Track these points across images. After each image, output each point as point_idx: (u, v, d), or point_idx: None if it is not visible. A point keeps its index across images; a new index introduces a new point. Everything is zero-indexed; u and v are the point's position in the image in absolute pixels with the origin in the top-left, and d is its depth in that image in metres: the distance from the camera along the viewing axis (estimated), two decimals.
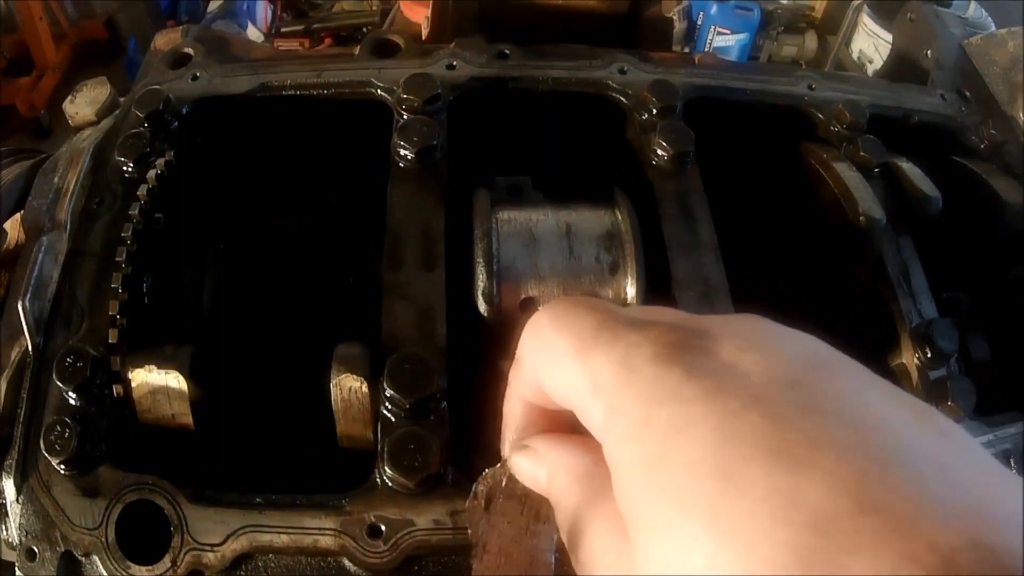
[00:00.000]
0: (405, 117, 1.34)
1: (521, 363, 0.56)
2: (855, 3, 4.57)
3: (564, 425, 0.57)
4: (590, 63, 1.50)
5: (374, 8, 6.80)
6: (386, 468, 1.00)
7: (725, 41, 5.53)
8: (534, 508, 0.59)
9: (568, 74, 1.48)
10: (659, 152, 1.37)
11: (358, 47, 1.49)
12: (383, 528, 0.99)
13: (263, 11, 6.45)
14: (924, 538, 0.32)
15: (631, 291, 1.22)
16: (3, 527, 1.10)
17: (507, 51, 1.48)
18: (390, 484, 1.01)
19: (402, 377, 1.02)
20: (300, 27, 6.65)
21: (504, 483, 0.62)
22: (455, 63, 1.45)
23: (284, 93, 1.44)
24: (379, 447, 1.02)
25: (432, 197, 1.26)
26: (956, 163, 1.73)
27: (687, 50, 5.57)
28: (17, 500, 1.07)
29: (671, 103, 1.41)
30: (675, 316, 0.50)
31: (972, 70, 1.93)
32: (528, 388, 0.56)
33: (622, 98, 1.46)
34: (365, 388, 1.06)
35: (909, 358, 1.37)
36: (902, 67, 2.12)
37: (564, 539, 0.55)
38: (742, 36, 5.56)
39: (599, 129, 1.52)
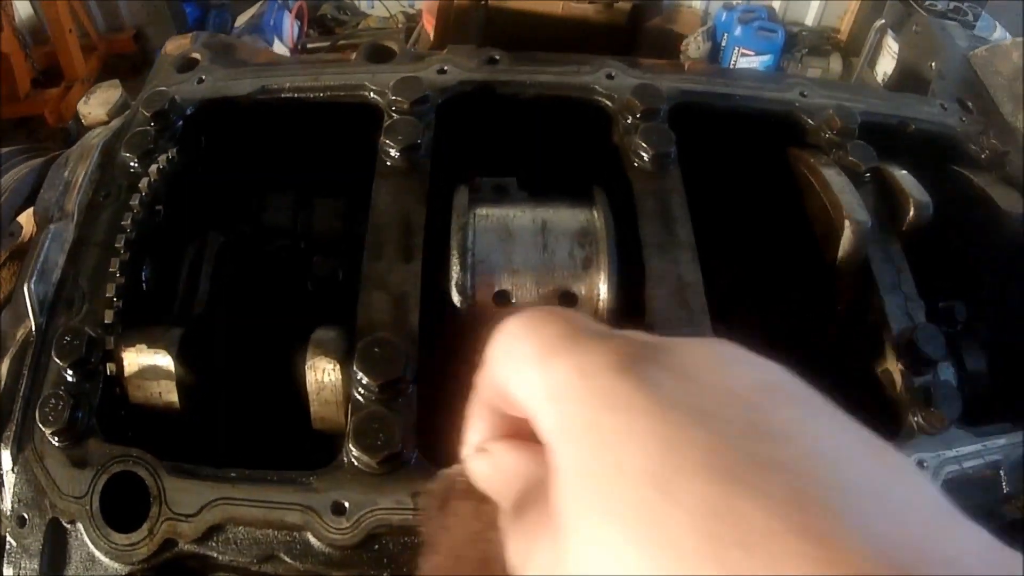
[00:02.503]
0: (394, 117, 1.43)
1: (487, 367, 0.55)
2: (877, 24, 4.58)
3: (526, 433, 0.55)
4: (579, 69, 1.59)
5: (399, 25, 7.04)
6: (351, 447, 1.07)
7: (749, 63, 5.56)
8: (490, 514, 0.57)
9: (556, 79, 1.56)
10: (641, 153, 1.43)
11: (355, 53, 1.60)
12: (346, 505, 1.06)
13: (290, 27, 6.75)
14: (852, 568, 0.32)
15: (603, 287, 1.28)
16: (1, 497, 1.20)
17: (497, 56, 1.58)
18: (356, 463, 1.08)
19: (371, 360, 1.09)
20: (326, 43, 6.93)
21: (459, 485, 0.60)
22: (446, 68, 1.54)
23: (283, 95, 1.55)
24: (347, 428, 1.09)
25: (414, 193, 1.34)
26: (954, 172, 1.76)
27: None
28: (12, 470, 1.16)
29: (655, 106, 1.48)
30: (642, 335, 0.50)
31: (976, 81, 1.96)
32: (492, 392, 0.55)
33: (608, 102, 1.54)
34: (338, 370, 1.14)
35: (893, 364, 1.40)
36: (907, 78, 2.16)
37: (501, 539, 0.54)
38: (766, 58, 5.60)
39: (586, 132, 1.59)
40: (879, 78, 4.98)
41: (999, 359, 1.66)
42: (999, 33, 3.88)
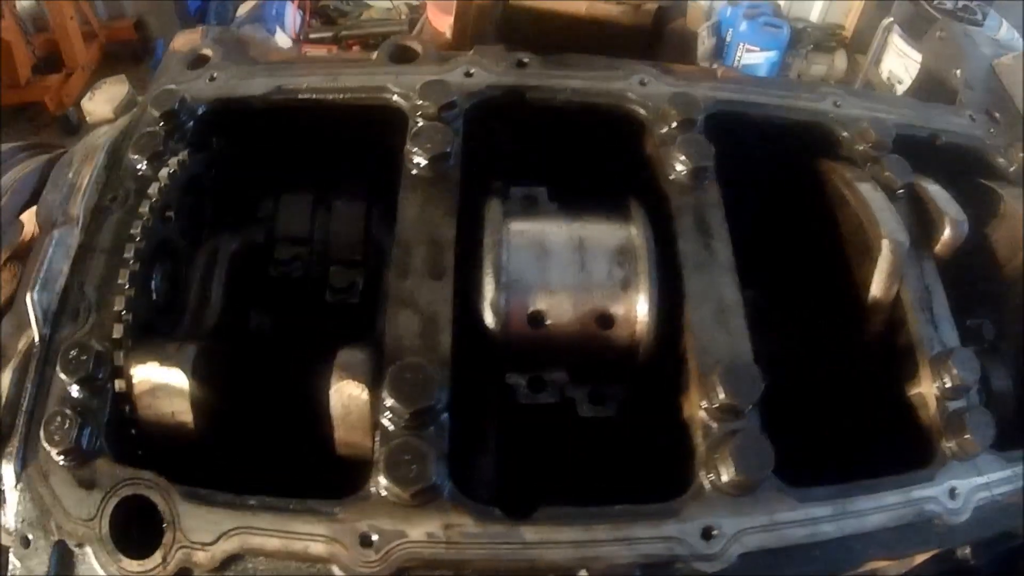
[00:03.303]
0: (420, 123, 1.35)
1: None
2: (885, 22, 4.54)
3: None
4: (610, 74, 1.51)
5: (402, 17, 6.93)
6: (381, 478, 1.00)
7: (754, 59, 5.52)
8: None
9: (587, 84, 1.49)
10: (677, 166, 1.37)
11: (376, 52, 1.51)
12: (375, 538, 1.00)
13: (292, 17, 6.61)
14: None
15: (643, 308, 1.21)
16: (1, 513, 1.12)
17: (526, 60, 1.50)
18: (384, 494, 1.02)
19: (402, 387, 1.03)
20: (328, 34, 6.81)
21: None
22: (473, 70, 1.47)
23: (300, 96, 1.46)
24: (375, 456, 1.02)
25: (443, 206, 1.27)
26: (981, 185, 1.71)
27: (716, 66, 5.57)
28: (15, 487, 1.10)
29: (691, 116, 1.41)
30: None
31: (1002, 91, 1.91)
32: None
33: (642, 110, 1.47)
34: (365, 395, 1.07)
35: (928, 387, 1.35)
36: (931, 86, 2.10)
37: None
38: (771, 54, 5.55)
39: (618, 141, 1.52)
40: (884, 76, 4.95)
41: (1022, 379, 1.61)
42: (1005, 31, 3.85)
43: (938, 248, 1.54)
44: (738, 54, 5.55)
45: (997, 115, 1.88)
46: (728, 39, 5.63)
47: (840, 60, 5.79)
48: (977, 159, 1.78)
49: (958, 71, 2.02)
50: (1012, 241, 1.69)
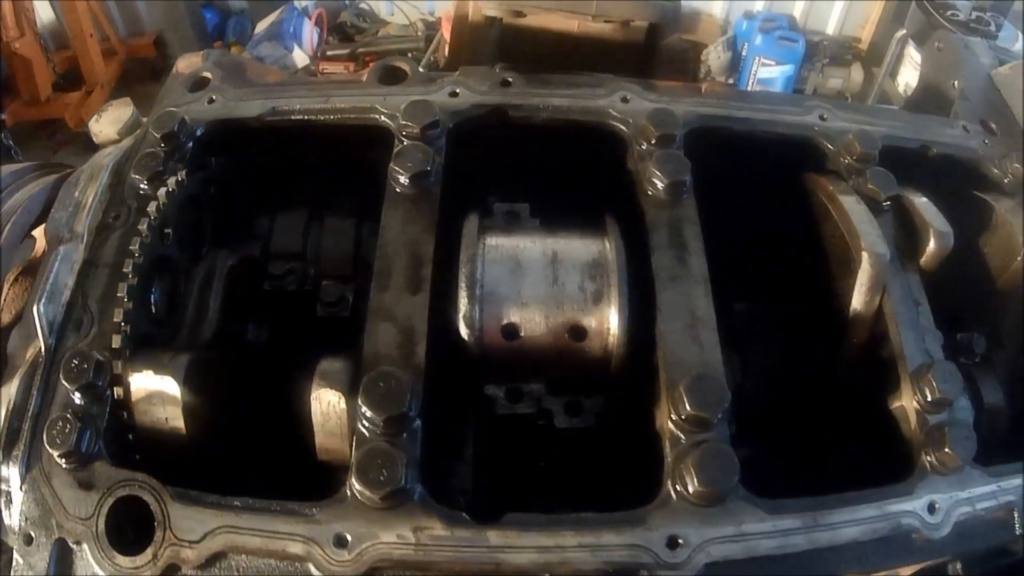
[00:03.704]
0: (404, 143, 1.43)
1: None
2: (898, 34, 4.54)
3: None
4: (593, 91, 1.58)
5: (419, 34, 7.08)
6: (355, 481, 1.07)
7: (770, 72, 5.54)
8: None
9: (570, 102, 1.56)
10: (655, 181, 1.42)
11: (366, 73, 1.60)
12: (348, 538, 1.06)
13: (309, 34, 6.82)
14: None
15: (614, 320, 1.27)
16: (8, 512, 1.22)
17: (510, 79, 1.57)
18: (359, 497, 1.08)
19: (376, 394, 1.10)
20: (345, 51, 6.99)
21: None
22: (458, 90, 1.54)
23: (293, 117, 1.56)
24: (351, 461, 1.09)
25: (423, 222, 1.34)
26: (975, 197, 1.72)
27: (731, 81, 5.60)
28: (21, 488, 1.18)
29: (670, 132, 1.47)
30: None
31: (999, 101, 1.92)
32: None
33: (623, 127, 1.53)
34: (343, 403, 1.14)
35: (909, 401, 1.37)
36: (929, 97, 2.12)
37: None
38: (787, 68, 5.56)
39: (600, 157, 1.58)
40: (900, 89, 4.94)
41: (1018, 393, 1.62)
42: (1020, 44, 3.82)
43: (923, 260, 1.56)
44: (754, 68, 5.58)
45: (993, 126, 1.89)
46: (744, 53, 5.66)
47: (856, 73, 5.79)
48: (971, 170, 1.79)
49: (955, 82, 2.04)
50: (1005, 253, 1.70)
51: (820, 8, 6.08)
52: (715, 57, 5.20)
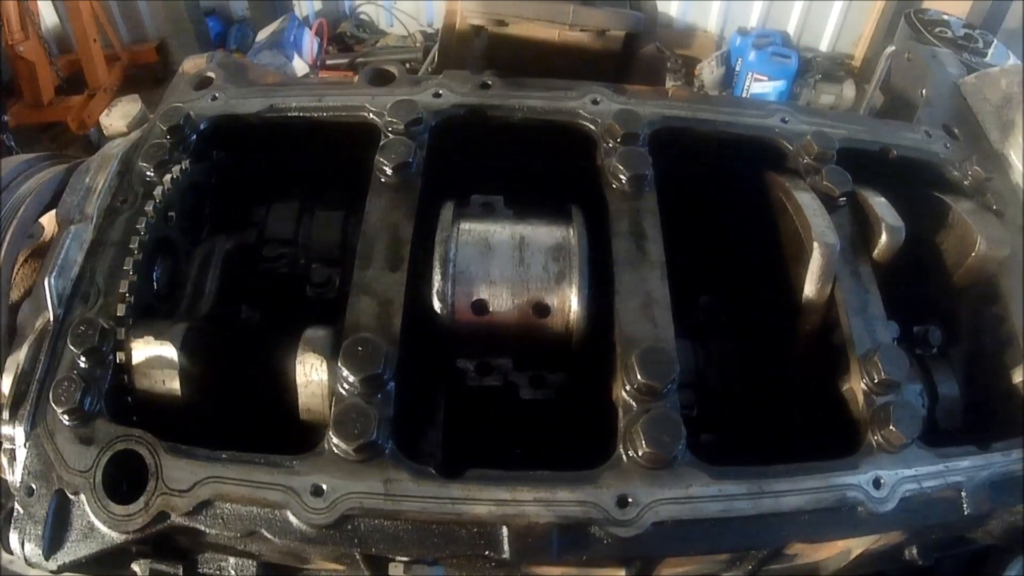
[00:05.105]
0: (389, 137, 1.60)
1: None
2: (888, 51, 4.73)
3: None
4: (566, 94, 1.75)
5: (417, 44, 7.33)
6: (332, 435, 1.21)
7: (763, 88, 5.74)
8: None
9: (544, 103, 1.72)
10: (618, 175, 1.58)
11: (357, 76, 1.78)
12: (324, 488, 1.20)
13: (309, 44, 7.07)
14: None
15: (574, 299, 1.42)
16: (11, 470, 1.36)
17: (489, 82, 1.74)
18: (335, 450, 1.22)
19: (354, 357, 1.25)
20: (345, 60, 7.24)
21: None
22: (441, 91, 1.71)
23: (290, 114, 1.73)
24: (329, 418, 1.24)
25: (404, 208, 1.50)
26: (934, 198, 1.87)
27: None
28: (24, 445, 1.33)
29: (634, 131, 1.63)
30: None
31: (964, 108, 2.07)
32: None
33: (591, 126, 1.69)
34: (324, 366, 1.29)
35: (857, 383, 1.49)
36: (897, 105, 2.28)
37: None
38: (780, 83, 5.76)
39: (571, 154, 1.75)
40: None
41: (972, 384, 1.75)
42: (1011, 63, 3.99)
43: (876, 253, 1.71)
44: (747, 83, 5.78)
45: (956, 131, 2.04)
46: (737, 68, 5.86)
47: (849, 89, 5.99)
48: (931, 172, 1.94)
49: (923, 90, 2.20)
50: (960, 250, 1.84)
51: (814, 25, 6.30)
52: (709, 72, 5.40)
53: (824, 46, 6.36)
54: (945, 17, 4.57)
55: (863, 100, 5.74)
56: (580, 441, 1.48)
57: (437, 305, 1.37)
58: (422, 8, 7.57)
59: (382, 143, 1.58)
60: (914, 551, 1.65)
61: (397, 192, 1.54)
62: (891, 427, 1.42)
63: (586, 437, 1.47)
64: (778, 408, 1.74)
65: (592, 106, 1.72)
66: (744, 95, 5.63)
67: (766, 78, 5.69)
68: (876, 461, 1.43)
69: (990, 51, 4.16)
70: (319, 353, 1.27)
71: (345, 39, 7.67)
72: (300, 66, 6.78)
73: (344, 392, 1.26)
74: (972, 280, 1.84)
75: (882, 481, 1.42)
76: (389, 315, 1.35)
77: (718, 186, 1.87)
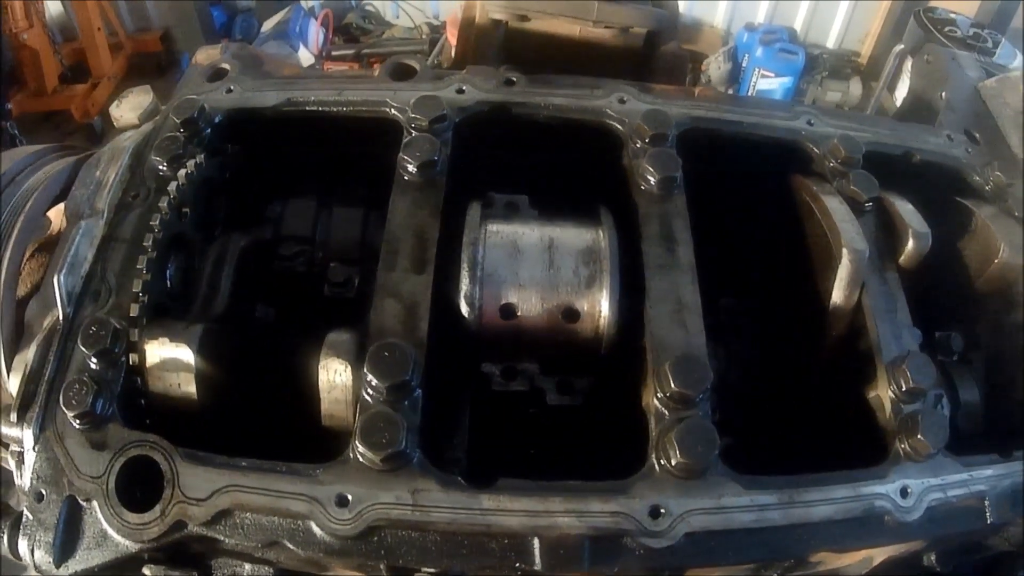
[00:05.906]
0: (413, 134, 1.52)
1: None
2: (896, 49, 4.68)
3: None
4: (592, 92, 1.68)
5: (423, 36, 7.23)
6: (358, 444, 1.15)
7: (769, 84, 5.69)
8: None
9: (569, 102, 1.66)
10: (647, 177, 1.52)
11: (378, 69, 1.70)
12: (349, 498, 1.14)
13: (315, 34, 6.96)
14: None
15: (605, 304, 1.36)
16: (19, 473, 1.29)
17: (514, 79, 1.67)
18: (361, 459, 1.16)
19: (381, 363, 1.18)
20: (350, 51, 7.14)
21: None
22: (464, 88, 1.64)
23: (308, 108, 1.65)
24: (354, 426, 1.18)
25: (429, 207, 1.43)
26: (957, 203, 1.82)
27: (731, 91, 5.74)
28: (33, 448, 1.26)
29: (663, 132, 1.57)
30: None
31: (984, 112, 2.02)
32: None
33: (618, 126, 1.63)
34: (349, 371, 1.23)
35: (884, 390, 1.45)
36: (917, 108, 2.23)
37: None
38: (786, 80, 5.71)
39: (597, 154, 1.68)
40: (897, 103, 5.07)
41: (993, 391, 1.71)
42: (1019, 62, 3.95)
43: (903, 259, 1.66)
44: (754, 79, 5.73)
45: (977, 135, 1.99)
46: (744, 64, 5.80)
47: (855, 87, 5.94)
48: (953, 177, 1.90)
49: (943, 93, 2.15)
50: (983, 257, 1.80)
51: (821, 22, 6.24)
52: (715, 67, 5.34)
53: (831, 43, 6.31)
54: (953, 16, 4.52)
55: (870, 98, 5.70)
56: (607, 447, 1.43)
57: (464, 309, 1.31)
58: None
59: (405, 140, 1.51)
60: (932, 557, 1.62)
61: (421, 191, 1.47)
62: (919, 436, 1.38)
63: (613, 443, 1.41)
64: (798, 412, 1.69)
65: (619, 105, 1.66)
66: (750, 91, 5.58)
67: (773, 74, 5.64)
68: (903, 470, 1.40)
69: (998, 50, 4.11)
70: (343, 358, 1.21)
71: (351, 30, 7.56)
72: (305, 56, 6.68)
73: (370, 399, 1.20)
74: (994, 287, 1.80)
75: (909, 490, 1.39)
76: (415, 319, 1.29)
77: (742, 188, 1.82)
